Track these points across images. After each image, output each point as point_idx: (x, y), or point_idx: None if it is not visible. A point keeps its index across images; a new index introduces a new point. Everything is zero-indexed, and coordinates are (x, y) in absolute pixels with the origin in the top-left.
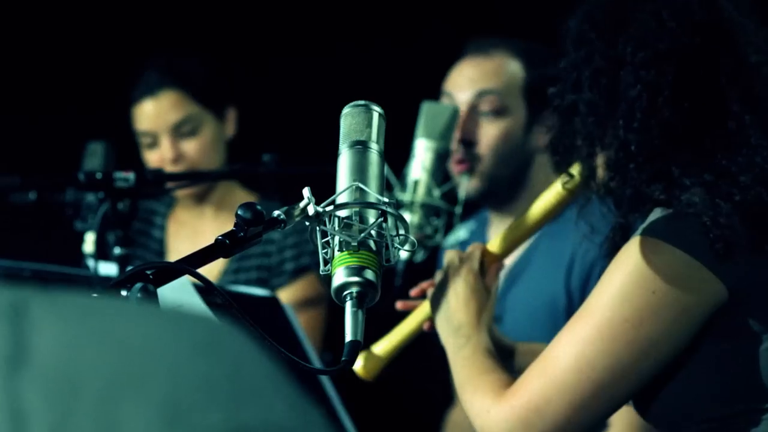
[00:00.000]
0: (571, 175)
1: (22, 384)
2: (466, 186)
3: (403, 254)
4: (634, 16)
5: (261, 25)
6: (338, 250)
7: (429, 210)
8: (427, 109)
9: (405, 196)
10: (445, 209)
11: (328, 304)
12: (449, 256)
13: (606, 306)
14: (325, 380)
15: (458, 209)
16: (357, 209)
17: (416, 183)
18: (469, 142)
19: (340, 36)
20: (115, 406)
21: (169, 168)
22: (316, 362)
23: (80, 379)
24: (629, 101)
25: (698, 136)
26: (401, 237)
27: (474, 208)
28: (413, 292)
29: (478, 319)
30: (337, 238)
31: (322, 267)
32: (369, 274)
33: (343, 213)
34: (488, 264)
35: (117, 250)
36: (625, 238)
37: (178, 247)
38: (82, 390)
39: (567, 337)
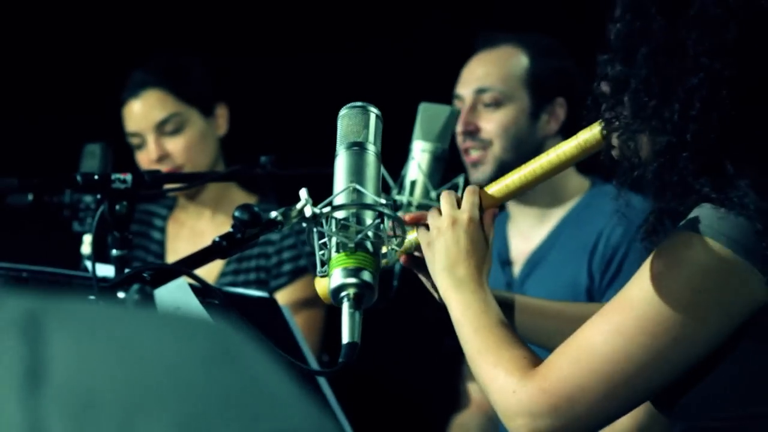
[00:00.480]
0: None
1: (42, 402)
2: (472, 175)
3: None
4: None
5: (258, 25)
6: (335, 252)
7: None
8: (424, 110)
9: (402, 198)
10: None
11: (327, 305)
12: (446, 199)
13: (649, 300)
14: (323, 382)
15: None
16: (354, 211)
17: (413, 184)
18: (469, 132)
19: (338, 37)
20: (133, 424)
21: (157, 167)
22: (314, 363)
23: (98, 397)
24: (689, 89)
25: (757, 134)
26: (398, 238)
27: None
28: (408, 217)
29: (480, 272)
30: (334, 240)
31: (319, 268)
32: (366, 276)
33: (340, 214)
34: (485, 208)
35: (114, 252)
36: (661, 225)
37: (177, 249)
38: (101, 407)
39: (605, 326)
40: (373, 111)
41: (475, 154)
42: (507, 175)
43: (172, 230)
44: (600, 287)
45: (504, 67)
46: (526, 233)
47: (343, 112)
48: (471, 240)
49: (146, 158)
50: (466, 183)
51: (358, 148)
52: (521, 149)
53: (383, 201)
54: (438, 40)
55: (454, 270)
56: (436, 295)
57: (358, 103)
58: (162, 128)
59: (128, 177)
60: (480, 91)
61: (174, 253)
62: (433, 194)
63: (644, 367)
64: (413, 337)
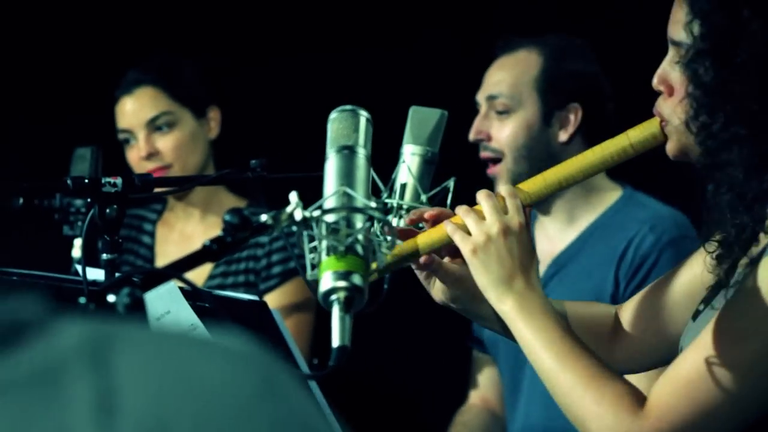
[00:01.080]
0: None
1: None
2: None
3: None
4: None
5: (249, 28)
6: (325, 255)
7: None
8: (414, 113)
9: (392, 201)
10: None
11: (317, 308)
12: (490, 202)
13: (758, 333)
14: (314, 385)
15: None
16: (344, 214)
17: (403, 188)
18: (480, 140)
19: (328, 40)
20: None
21: (146, 164)
22: (304, 367)
23: (170, 425)
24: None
25: None
26: (388, 242)
27: None
28: (410, 220)
29: (538, 284)
30: (324, 243)
31: (309, 272)
32: (356, 279)
33: (330, 218)
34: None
35: (104, 256)
36: (740, 243)
37: (166, 252)
38: None
39: (714, 359)
40: (363, 114)
41: (491, 169)
42: (543, 173)
43: (162, 234)
44: (624, 295)
45: (516, 73)
46: (552, 235)
47: (333, 115)
48: (525, 249)
49: (136, 155)
50: (456, 187)
51: (348, 151)
52: (534, 157)
53: (373, 204)
54: (429, 43)
55: (512, 283)
56: (436, 295)
57: (348, 107)
58: (153, 125)
59: (118, 181)
60: (491, 98)
61: (163, 257)
62: (423, 198)
63: (752, 403)
64: (404, 340)
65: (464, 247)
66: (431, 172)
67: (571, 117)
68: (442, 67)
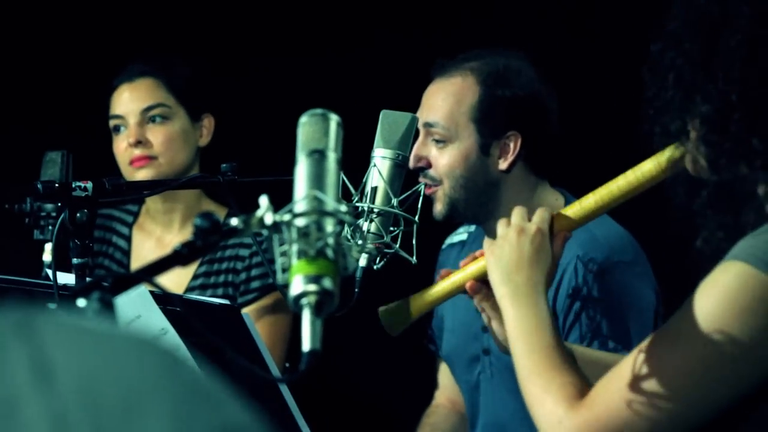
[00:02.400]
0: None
1: (57, 395)
2: (433, 209)
3: (362, 262)
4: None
5: (217, 33)
6: (296, 259)
7: (387, 218)
8: (384, 117)
9: (363, 205)
10: (404, 217)
11: (292, 321)
12: (518, 211)
13: (702, 337)
14: (285, 389)
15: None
16: (314, 218)
17: (374, 191)
18: (419, 167)
19: (298, 45)
20: (137, 418)
21: (133, 151)
22: (276, 371)
23: (103, 393)
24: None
25: None
26: (359, 245)
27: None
28: (463, 262)
29: (539, 283)
30: (294, 247)
31: (279, 276)
32: (327, 283)
33: (300, 222)
34: (557, 230)
35: (75, 260)
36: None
37: (143, 258)
38: (107, 402)
39: (654, 360)
40: (334, 118)
41: (429, 190)
42: (584, 198)
43: (138, 238)
44: (564, 327)
45: (451, 102)
46: None
47: (303, 119)
48: (535, 249)
49: (123, 144)
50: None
51: (318, 155)
52: (471, 187)
53: (344, 208)
54: (399, 48)
55: (512, 276)
56: (500, 334)
57: (319, 110)
58: (147, 114)
59: (89, 185)
60: (427, 125)
61: (139, 262)
62: (394, 201)
63: (691, 405)
64: (374, 344)
65: (486, 248)
66: (402, 176)
67: (510, 145)
68: (413, 71)
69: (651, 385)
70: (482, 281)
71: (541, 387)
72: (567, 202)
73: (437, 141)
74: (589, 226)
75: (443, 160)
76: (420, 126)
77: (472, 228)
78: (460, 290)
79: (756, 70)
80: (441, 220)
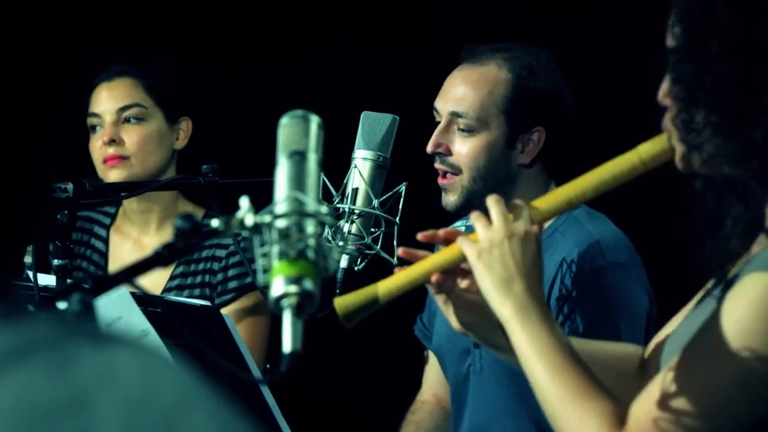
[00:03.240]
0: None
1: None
2: (443, 199)
3: (343, 263)
4: None
5: (198, 35)
6: (276, 260)
7: (368, 220)
8: (365, 118)
9: (344, 206)
10: (385, 218)
11: (272, 321)
12: (497, 209)
13: (735, 354)
14: (266, 390)
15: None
16: (295, 219)
17: (355, 192)
18: (440, 153)
19: (278, 46)
20: (191, 416)
21: (106, 149)
22: (257, 372)
23: (162, 395)
24: None
25: None
26: (340, 246)
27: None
28: (423, 236)
29: (539, 291)
30: (275, 248)
31: (260, 277)
32: (307, 284)
33: (281, 223)
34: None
35: (56, 262)
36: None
37: (121, 259)
38: (166, 402)
39: (687, 379)
40: (314, 120)
41: (445, 179)
42: (556, 191)
43: (116, 240)
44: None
45: (483, 92)
46: None
47: (283, 120)
48: (529, 255)
49: (99, 142)
50: (408, 192)
51: (299, 156)
52: (491, 179)
53: (324, 209)
54: (380, 48)
55: (511, 286)
56: (454, 321)
57: (299, 112)
58: (122, 113)
59: (69, 186)
60: (455, 114)
61: (117, 264)
62: (375, 202)
63: (728, 421)
64: (356, 343)
65: (470, 252)
66: (383, 177)
67: (535, 140)
68: (395, 72)
69: (686, 405)
70: (449, 271)
71: (576, 415)
72: None
73: (463, 130)
74: (586, 225)
75: (466, 149)
76: (443, 113)
77: (469, 222)
78: (424, 281)
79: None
80: (452, 210)
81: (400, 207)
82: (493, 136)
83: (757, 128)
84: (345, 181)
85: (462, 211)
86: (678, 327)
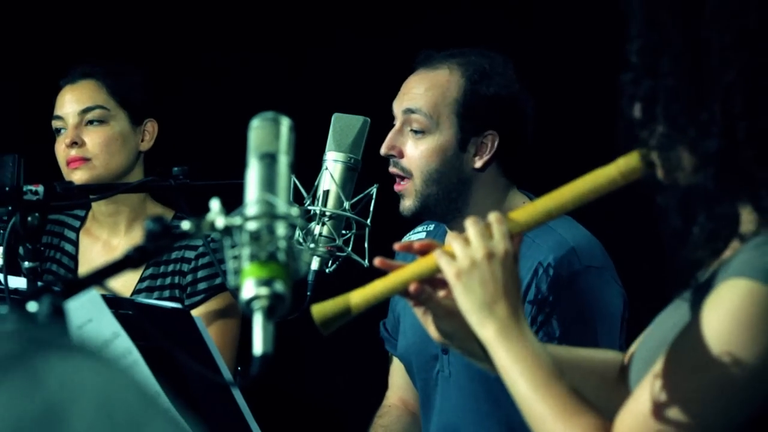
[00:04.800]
0: (634, 161)
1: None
2: (400, 205)
3: (314, 265)
4: None
5: (167, 35)
6: (247, 262)
7: (339, 222)
8: (336, 120)
9: (315, 208)
10: (356, 221)
11: (241, 321)
12: (476, 227)
13: (716, 361)
14: (237, 392)
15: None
16: (266, 221)
17: (326, 194)
18: (392, 156)
19: (249, 47)
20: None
21: (69, 151)
22: (228, 374)
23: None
24: (726, 86)
25: None
26: (311, 249)
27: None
28: (399, 246)
29: (520, 312)
30: (246, 250)
31: (231, 279)
32: (278, 286)
33: (251, 225)
34: (512, 236)
35: (26, 264)
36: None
37: (90, 261)
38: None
39: (670, 389)
40: (285, 122)
41: (399, 186)
42: (533, 203)
43: (85, 243)
44: (532, 330)
45: (436, 92)
46: None
47: (254, 123)
48: (510, 276)
49: (62, 144)
50: (379, 194)
51: (269, 159)
52: (444, 181)
53: (295, 212)
54: (352, 51)
55: (494, 308)
56: (432, 331)
57: (270, 114)
58: (85, 115)
59: (40, 189)
60: (408, 111)
61: (87, 266)
62: (346, 204)
63: (713, 427)
64: (326, 346)
65: (449, 270)
66: (354, 179)
67: (488, 144)
68: (365, 75)
69: (669, 416)
70: (426, 281)
71: (560, 430)
72: None
73: (415, 132)
74: (558, 230)
75: (418, 152)
76: (398, 112)
77: (431, 227)
78: (401, 289)
79: (741, 78)
80: (409, 216)
81: (371, 209)
82: (445, 137)
83: (711, 137)
84: (316, 183)
85: (418, 215)
86: (648, 333)
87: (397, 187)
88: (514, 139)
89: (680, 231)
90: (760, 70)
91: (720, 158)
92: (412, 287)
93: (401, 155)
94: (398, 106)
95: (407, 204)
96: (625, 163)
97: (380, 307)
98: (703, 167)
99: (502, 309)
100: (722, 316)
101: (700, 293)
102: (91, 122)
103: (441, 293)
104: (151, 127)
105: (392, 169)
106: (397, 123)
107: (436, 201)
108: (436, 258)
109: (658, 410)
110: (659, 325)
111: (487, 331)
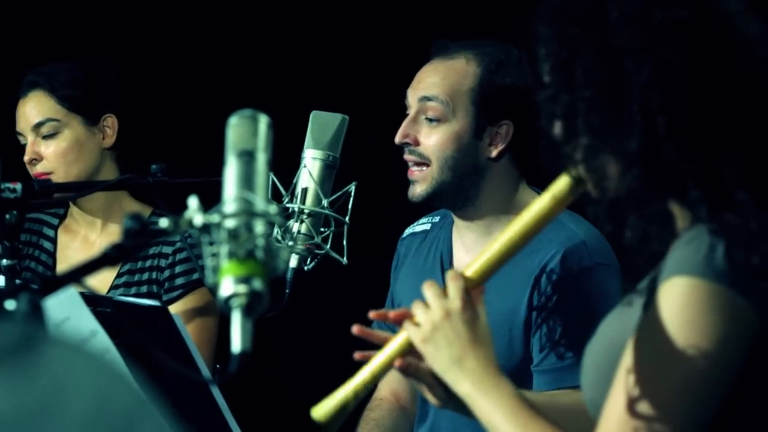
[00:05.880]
0: (569, 183)
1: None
2: (410, 190)
3: (293, 263)
4: (611, 2)
5: (145, 31)
6: (225, 260)
7: (317, 219)
8: (315, 118)
9: (293, 206)
10: (334, 218)
11: (219, 316)
12: (431, 290)
13: (674, 361)
14: (215, 390)
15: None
16: (244, 219)
17: (305, 192)
18: (407, 144)
19: (228, 44)
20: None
21: (32, 168)
22: (206, 372)
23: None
24: (641, 86)
25: (736, 123)
26: (289, 246)
27: (378, 217)
28: (373, 315)
29: (490, 359)
30: (224, 248)
31: (210, 277)
32: (256, 284)
33: (229, 223)
34: (470, 290)
35: (4, 262)
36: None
37: (69, 259)
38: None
39: (640, 400)
40: (263, 119)
41: (413, 171)
42: (483, 252)
43: (64, 240)
44: (536, 322)
45: (452, 81)
46: (470, 246)
47: (232, 120)
48: (471, 327)
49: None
50: (357, 191)
51: (247, 156)
52: (459, 169)
53: (273, 209)
54: (329, 48)
55: (463, 363)
56: (431, 398)
57: (248, 111)
58: (38, 130)
59: (18, 186)
60: (425, 99)
61: (65, 264)
62: (324, 202)
63: (687, 426)
64: (306, 343)
65: (416, 338)
66: (332, 177)
67: (503, 134)
68: (343, 72)
69: (645, 425)
70: (408, 353)
71: None
72: None
73: (430, 120)
74: (570, 225)
75: (434, 139)
76: (413, 101)
77: (436, 218)
78: (387, 370)
79: (655, 82)
80: (418, 202)
81: (350, 207)
82: (461, 125)
83: (631, 138)
84: (294, 181)
85: (430, 201)
86: (594, 338)
87: (411, 175)
88: (529, 130)
89: (614, 237)
90: (673, 65)
91: (643, 157)
92: (397, 363)
93: (416, 143)
94: (413, 95)
95: (418, 190)
96: (557, 188)
97: (366, 299)
98: (628, 169)
99: (472, 362)
100: (668, 318)
101: (645, 295)
102: (44, 135)
103: (424, 363)
104: (110, 122)
105: (408, 156)
106: (412, 112)
107: (450, 188)
108: (406, 330)
109: (631, 424)
110: (604, 331)
111: (463, 386)
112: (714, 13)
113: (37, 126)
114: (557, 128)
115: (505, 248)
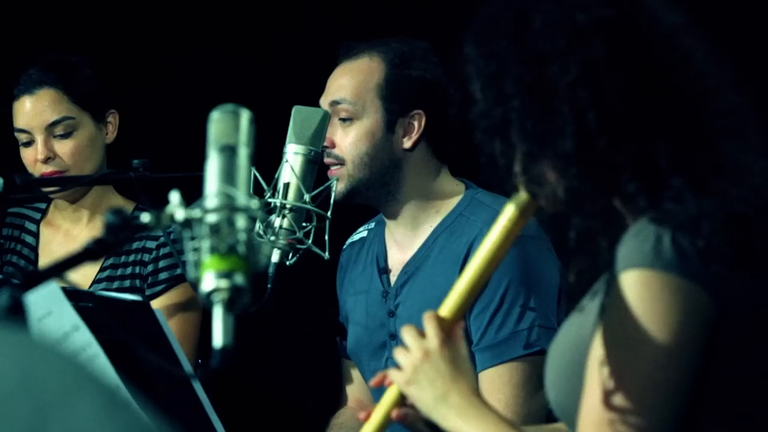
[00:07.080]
0: (521, 199)
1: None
2: (335, 190)
3: (275, 258)
4: (533, 11)
5: (127, 28)
6: (207, 255)
7: (300, 214)
8: (297, 113)
9: (275, 201)
10: (316, 213)
11: (202, 312)
12: (409, 333)
13: (641, 349)
14: (197, 385)
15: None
16: (225, 214)
17: (286, 187)
18: (324, 147)
19: (209, 40)
20: (73, 403)
21: (43, 167)
22: (188, 367)
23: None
24: (568, 86)
25: (682, 114)
26: (271, 241)
27: (360, 212)
28: (372, 383)
29: (473, 392)
30: (206, 243)
31: (191, 272)
32: (238, 279)
33: (211, 218)
34: (448, 328)
35: None
36: (592, 249)
37: (51, 253)
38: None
39: (613, 395)
40: (245, 114)
41: (332, 170)
42: (453, 290)
43: (46, 234)
44: (472, 305)
45: (358, 79)
46: (401, 242)
47: (214, 115)
48: (451, 364)
49: (32, 157)
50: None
51: (229, 151)
52: (377, 165)
53: (255, 204)
54: (312, 43)
55: (447, 399)
56: None
57: (230, 106)
58: (52, 129)
59: (0, 181)
60: (334, 103)
61: (47, 258)
62: (306, 197)
63: (665, 417)
64: (287, 339)
65: (400, 383)
66: (314, 172)
67: (415, 124)
68: (326, 67)
69: (620, 418)
70: (402, 404)
71: None
72: (468, 191)
73: (343, 120)
74: (492, 206)
75: (348, 139)
76: (326, 106)
77: (372, 224)
78: (388, 424)
79: (599, 91)
80: (341, 200)
81: (332, 201)
82: (371, 121)
83: (565, 138)
84: (276, 176)
85: (351, 199)
86: (556, 340)
87: (330, 173)
88: (441, 118)
89: (562, 241)
90: (598, 62)
91: (579, 155)
92: (394, 415)
93: (333, 146)
94: (325, 101)
95: (339, 188)
96: (509, 210)
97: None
98: (566, 170)
99: (456, 397)
100: (626, 312)
101: (601, 294)
102: (59, 134)
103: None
104: (113, 119)
105: (326, 160)
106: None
107: (367, 185)
108: (390, 377)
109: (609, 419)
110: (564, 335)
111: (450, 421)
112: (635, 8)
113: (53, 125)
114: (496, 146)
115: (473, 281)
